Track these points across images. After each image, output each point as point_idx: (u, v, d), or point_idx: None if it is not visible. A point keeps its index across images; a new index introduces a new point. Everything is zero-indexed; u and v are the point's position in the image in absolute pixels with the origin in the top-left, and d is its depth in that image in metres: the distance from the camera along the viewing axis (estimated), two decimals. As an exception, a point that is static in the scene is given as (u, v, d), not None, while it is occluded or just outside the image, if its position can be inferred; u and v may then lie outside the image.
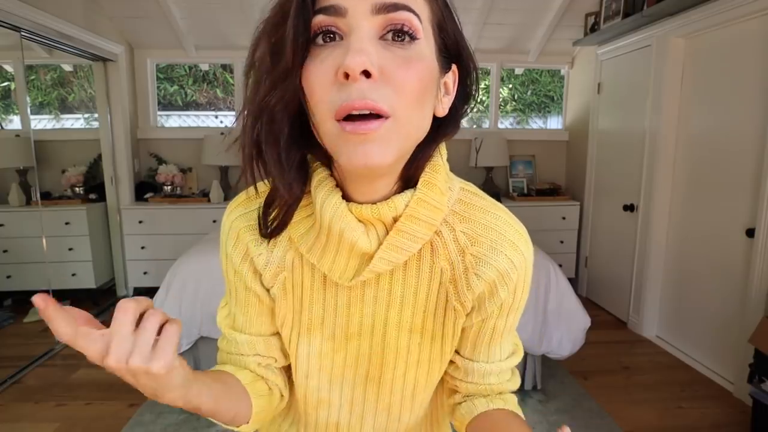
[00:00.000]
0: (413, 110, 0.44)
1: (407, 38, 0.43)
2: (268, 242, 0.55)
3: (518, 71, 4.54)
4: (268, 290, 0.58)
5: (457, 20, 0.49)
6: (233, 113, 4.13)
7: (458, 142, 4.11)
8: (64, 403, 2.30)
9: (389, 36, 0.43)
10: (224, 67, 4.72)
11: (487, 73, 4.37)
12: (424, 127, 0.47)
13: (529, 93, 5.34)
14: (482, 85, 5.31)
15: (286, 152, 0.47)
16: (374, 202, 0.49)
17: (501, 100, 4.82)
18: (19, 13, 2.53)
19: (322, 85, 0.42)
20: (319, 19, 0.43)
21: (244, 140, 0.48)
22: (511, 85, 5.31)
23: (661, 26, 2.85)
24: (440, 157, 0.52)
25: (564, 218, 3.87)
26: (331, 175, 0.51)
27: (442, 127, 0.51)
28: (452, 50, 0.49)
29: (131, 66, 3.82)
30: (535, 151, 4.25)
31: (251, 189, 0.53)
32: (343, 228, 0.49)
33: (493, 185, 4.06)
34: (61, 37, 2.90)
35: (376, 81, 0.41)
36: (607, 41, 3.43)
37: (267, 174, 0.48)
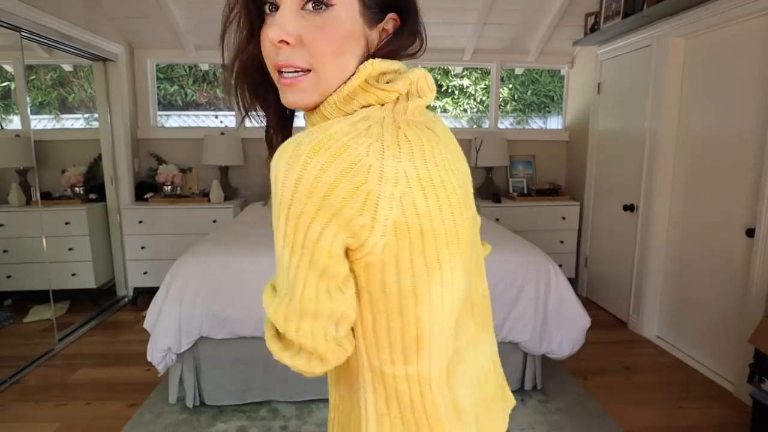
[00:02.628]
0: (331, 64, 0.55)
1: (324, 7, 0.54)
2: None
3: (518, 71, 4.54)
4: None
5: None
6: (233, 113, 4.14)
7: (459, 141, 4.09)
8: (64, 403, 2.30)
9: (309, 6, 0.54)
10: (224, 67, 4.72)
11: (488, 73, 4.37)
12: (345, 74, 0.57)
13: (529, 93, 5.34)
14: (482, 85, 5.34)
15: (263, 94, 0.63)
16: None
17: (501, 100, 4.82)
18: (19, 13, 2.53)
19: (266, 47, 0.56)
20: None
21: (236, 85, 0.62)
22: (511, 85, 5.31)
23: (661, 26, 2.85)
24: (360, 74, 0.57)
25: (564, 218, 3.87)
26: None
27: (389, 55, 0.60)
28: (382, 3, 0.58)
29: (131, 66, 3.82)
30: (535, 151, 4.25)
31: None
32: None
33: (493, 185, 4.06)
34: (61, 37, 2.90)
35: (294, 47, 0.54)
36: (607, 41, 3.43)
37: (262, 108, 0.64)
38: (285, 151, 0.50)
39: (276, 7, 0.55)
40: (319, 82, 0.56)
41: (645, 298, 3.06)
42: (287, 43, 0.54)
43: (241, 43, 0.59)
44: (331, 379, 0.71)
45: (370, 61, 0.56)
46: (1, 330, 3.15)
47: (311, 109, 0.59)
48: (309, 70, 0.55)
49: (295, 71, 0.55)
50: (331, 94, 0.57)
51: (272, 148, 0.65)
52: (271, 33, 0.53)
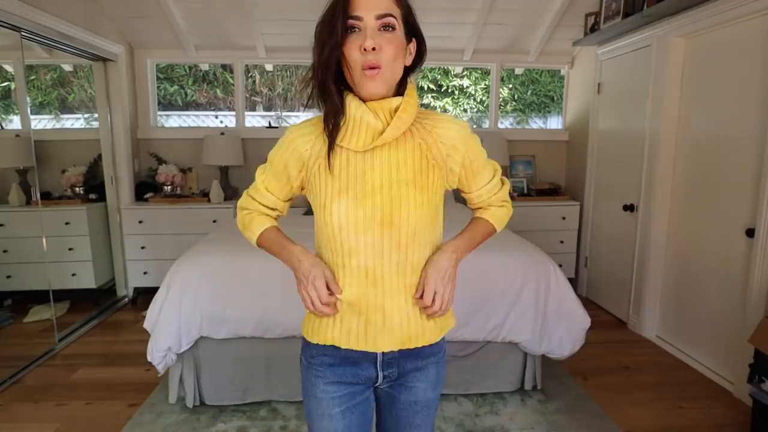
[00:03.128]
0: (392, 65, 0.88)
1: (390, 29, 0.87)
2: (314, 141, 0.96)
3: (518, 71, 4.54)
4: (298, 175, 0.99)
5: (414, 15, 0.93)
6: (233, 113, 4.14)
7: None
8: (64, 403, 2.30)
9: (382, 29, 0.87)
10: (224, 67, 4.72)
11: (488, 73, 4.37)
12: (398, 73, 0.91)
13: (529, 93, 5.34)
14: (482, 85, 5.34)
15: (334, 84, 0.89)
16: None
17: (501, 100, 4.82)
18: (19, 13, 2.53)
19: (354, 52, 0.86)
20: (351, 22, 0.86)
21: (315, 80, 0.90)
22: (511, 85, 5.31)
23: (661, 26, 2.85)
24: (411, 84, 0.96)
25: (564, 218, 3.87)
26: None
27: (409, 71, 0.96)
28: (413, 31, 0.93)
29: (131, 66, 3.82)
30: (535, 151, 4.25)
31: (305, 119, 1.00)
32: (362, 113, 0.89)
33: (493, 185, 4.06)
34: (61, 37, 2.90)
35: (377, 52, 0.85)
36: (607, 41, 3.43)
37: (326, 97, 0.90)
38: (463, 123, 1.00)
39: (356, 29, 0.86)
40: (384, 77, 0.87)
41: (645, 298, 3.06)
42: (374, 49, 0.84)
43: (331, 50, 0.86)
44: None
45: (412, 84, 0.97)
46: (1, 330, 3.15)
47: (381, 97, 0.90)
48: (379, 68, 0.86)
49: (375, 68, 0.85)
50: (396, 85, 0.93)
51: (328, 128, 0.92)
52: (367, 43, 0.84)
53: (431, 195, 0.95)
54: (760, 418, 1.98)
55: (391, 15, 0.86)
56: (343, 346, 0.97)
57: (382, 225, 0.91)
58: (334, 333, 0.97)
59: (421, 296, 0.95)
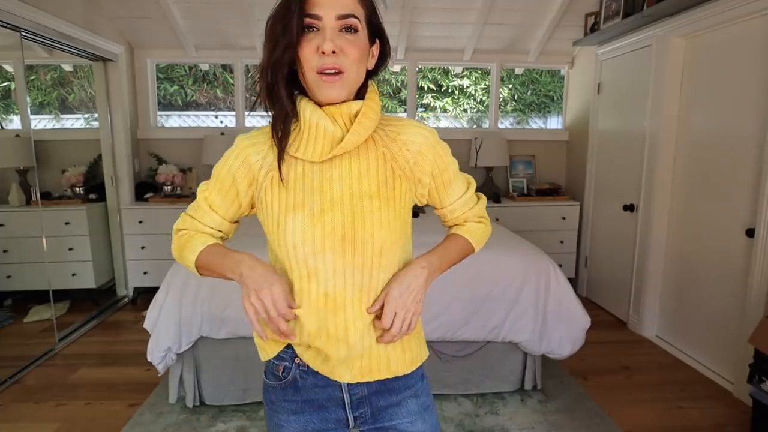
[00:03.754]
0: (355, 68, 0.79)
1: (353, 31, 0.78)
2: (266, 151, 0.85)
3: (518, 71, 4.54)
4: (248, 190, 0.87)
5: (379, 14, 0.84)
6: (233, 113, 4.14)
7: (458, 142, 4.10)
8: (64, 403, 2.30)
9: (344, 30, 0.78)
10: (224, 67, 4.72)
11: (488, 73, 4.37)
12: (360, 78, 0.82)
13: (529, 93, 5.34)
14: (482, 85, 5.33)
15: (285, 87, 0.79)
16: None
17: (501, 100, 4.82)
18: (19, 13, 2.53)
19: (311, 54, 0.77)
20: (308, 20, 0.76)
21: (262, 82, 0.80)
22: (511, 85, 5.31)
23: (661, 26, 2.85)
24: (373, 87, 0.87)
25: (564, 218, 3.87)
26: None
27: (371, 74, 0.87)
28: (376, 32, 0.84)
29: (131, 66, 3.82)
30: (535, 151, 4.25)
31: (254, 130, 0.88)
32: (318, 119, 0.79)
33: (493, 185, 4.06)
34: (61, 37, 2.90)
35: (338, 55, 0.76)
36: (607, 41, 3.43)
37: (275, 101, 0.80)
38: (430, 129, 0.89)
39: (315, 29, 0.77)
40: (346, 81, 0.79)
41: (645, 298, 3.06)
42: (333, 52, 0.76)
43: (283, 51, 0.77)
44: None
45: (373, 87, 0.88)
46: (1, 330, 3.15)
47: (339, 103, 0.81)
48: (342, 72, 0.77)
49: (334, 72, 0.77)
50: (354, 93, 0.83)
51: (276, 134, 0.83)
52: (326, 46, 0.75)
53: (398, 209, 0.84)
54: (760, 418, 1.98)
55: (353, 16, 0.77)
56: (305, 361, 0.87)
57: (344, 242, 0.81)
58: (299, 351, 0.88)
59: (378, 316, 0.83)
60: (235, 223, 0.93)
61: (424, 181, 0.89)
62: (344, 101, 0.81)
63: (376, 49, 0.85)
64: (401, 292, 0.82)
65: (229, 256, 0.83)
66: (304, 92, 0.83)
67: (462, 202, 0.95)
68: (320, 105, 0.81)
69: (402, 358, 0.89)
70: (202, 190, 0.91)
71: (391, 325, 0.82)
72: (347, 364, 0.85)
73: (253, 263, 0.79)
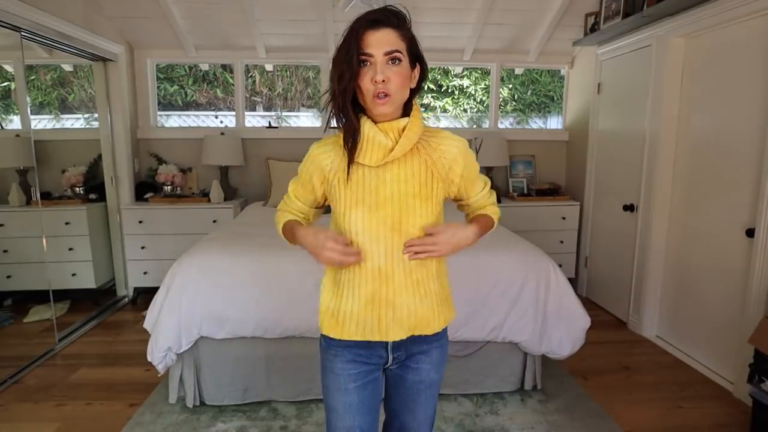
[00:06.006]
0: (399, 91, 1.02)
1: (397, 62, 1.01)
2: (333, 157, 1.11)
3: (518, 71, 4.54)
4: (321, 186, 1.15)
5: (417, 44, 1.07)
6: (233, 113, 4.14)
7: (458, 142, 4.10)
8: (64, 403, 2.30)
9: (390, 62, 1.01)
10: (224, 67, 4.72)
11: (488, 73, 4.37)
12: (405, 96, 1.06)
13: (529, 93, 5.34)
14: (482, 85, 5.34)
15: (352, 109, 1.04)
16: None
17: (501, 100, 4.82)
18: (19, 13, 2.53)
19: (367, 83, 1.01)
20: (363, 57, 1.00)
21: (335, 106, 1.03)
22: (511, 85, 5.31)
23: (661, 26, 2.85)
24: (416, 106, 1.11)
25: (564, 218, 3.87)
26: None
27: (414, 91, 1.09)
28: (416, 58, 1.07)
29: (131, 66, 3.82)
30: (535, 151, 4.25)
31: (325, 137, 1.15)
32: (375, 134, 1.04)
33: (493, 185, 4.04)
34: (61, 37, 2.90)
35: (386, 83, 1.00)
36: (607, 41, 3.43)
37: (345, 119, 1.04)
38: (462, 140, 1.14)
39: (368, 63, 1.00)
40: (393, 101, 1.03)
41: (645, 298, 3.06)
42: (383, 81, 0.99)
43: (349, 81, 1.01)
44: None
45: (417, 106, 1.12)
46: (1, 330, 3.15)
47: (391, 118, 1.06)
48: (389, 96, 1.01)
49: (385, 95, 1.01)
50: (403, 107, 1.08)
51: (347, 146, 1.06)
52: (378, 77, 0.98)
53: (434, 204, 1.10)
54: (760, 418, 1.98)
55: (397, 51, 1.01)
56: (359, 339, 1.11)
57: (392, 231, 1.06)
58: (350, 329, 1.11)
59: (422, 238, 1.08)
60: (315, 208, 1.23)
61: (456, 181, 1.15)
62: (394, 118, 1.06)
63: (416, 72, 1.08)
64: (450, 236, 1.07)
65: (292, 232, 1.15)
66: (364, 111, 1.07)
67: (482, 195, 1.24)
68: (376, 122, 1.05)
69: (438, 320, 1.15)
70: (291, 182, 1.23)
71: (420, 246, 1.06)
72: (397, 325, 1.10)
73: (305, 233, 1.09)
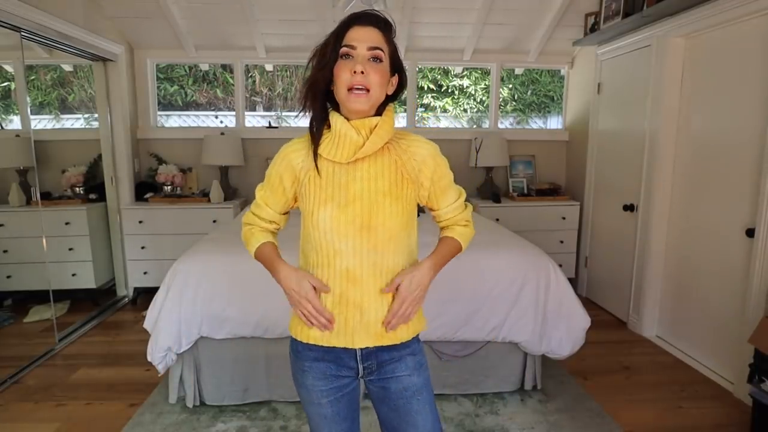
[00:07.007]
0: (378, 89, 1.02)
1: (378, 60, 1.02)
2: (305, 155, 1.09)
3: (518, 71, 4.54)
4: (292, 186, 1.12)
5: (399, 54, 1.09)
6: (233, 113, 4.14)
7: (458, 142, 4.11)
8: (64, 403, 2.30)
9: (372, 59, 1.01)
10: (224, 67, 4.72)
11: (488, 73, 4.37)
12: (381, 97, 1.05)
13: (529, 93, 5.34)
14: (482, 85, 5.33)
15: (321, 99, 1.06)
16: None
17: (501, 100, 4.82)
18: (19, 13, 2.53)
19: (345, 74, 1.00)
20: (345, 49, 1.01)
21: (303, 93, 1.06)
22: (511, 85, 5.31)
23: (661, 26, 2.85)
24: (390, 108, 1.10)
25: (564, 218, 3.87)
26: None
27: (389, 99, 1.09)
28: (396, 66, 1.08)
29: (131, 66, 3.82)
30: (535, 151, 4.25)
31: (297, 137, 1.12)
32: (346, 130, 1.03)
33: (493, 185, 4.06)
34: (61, 37, 2.90)
35: (366, 76, 0.99)
36: (607, 41, 3.43)
37: (312, 108, 1.06)
38: (432, 144, 1.13)
39: (350, 56, 1.01)
40: (371, 98, 1.01)
41: (645, 298, 3.06)
42: (362, 72, 0.98)
43: (320, 71, 1.03)
44: None
45: (390, 108, 1.11)
46: (1, 330, 3.15)
47: (363, 116, 1.04)
48: (368, 90, 1.00)
49: (361, 89, 1.00)
50: (377, 108, 1.07)
51: (312, 134, 1.07)
52: (358, 67, 0.98)
53: (405, 205, 1.08)
54: (760, 418, 1.98)
55: (380, 49, 1.02)
56: (324, 344, 1.09)
57: (361, 229, 1.04)
58: (317, 333, 1.10)
59: (392, 297, 1.08)
60: (284, 214, 1.20)
61: (425, 184, 1.12)
62: (366, 116, 1.04)
63: (395, 80, 1.09)
64: (411, 291, 1.07)
65: (271, 263, 1.12)
66: (337, 108, 1.06)
67: (453, 207, 1.18)
68: (348, 119, 1.04)
69: (405, 329, 1.12)
70: (258, 189, 1.18)
71: (396, 312, 1.06)
72: (364, 330, 1.08)
73: (287, 273, 1.08)
